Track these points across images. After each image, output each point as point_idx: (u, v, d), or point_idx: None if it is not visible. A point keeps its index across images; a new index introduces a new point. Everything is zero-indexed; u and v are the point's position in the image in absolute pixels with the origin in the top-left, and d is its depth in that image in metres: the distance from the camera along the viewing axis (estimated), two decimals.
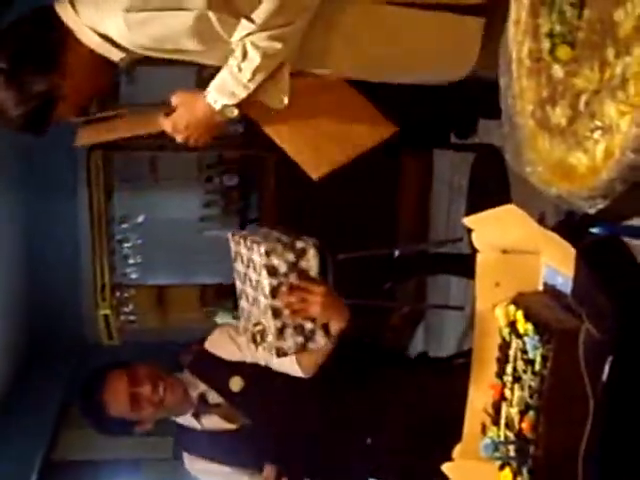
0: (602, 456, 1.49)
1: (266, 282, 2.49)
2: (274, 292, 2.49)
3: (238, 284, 2.71)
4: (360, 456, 2.80)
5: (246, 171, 6.98)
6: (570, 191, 1.62)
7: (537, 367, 1.69)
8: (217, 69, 2.33)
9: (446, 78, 2.43)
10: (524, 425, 1.74)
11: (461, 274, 4.44)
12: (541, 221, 1.89)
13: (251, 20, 2.15)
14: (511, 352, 1.82)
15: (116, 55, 2.34)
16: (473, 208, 3.90)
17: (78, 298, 7.55)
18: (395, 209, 5.98)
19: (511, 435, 1.82)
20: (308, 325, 2.53)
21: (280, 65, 2.24)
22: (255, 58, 2.17)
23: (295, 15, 2.16)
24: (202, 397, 2.93)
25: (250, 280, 2.63)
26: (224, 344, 2.93)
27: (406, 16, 2.29)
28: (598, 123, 1.52)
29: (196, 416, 2.93)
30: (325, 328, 2.55)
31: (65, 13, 2.29)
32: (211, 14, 2.17)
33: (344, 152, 2.51)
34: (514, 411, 1.80)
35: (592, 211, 1.57)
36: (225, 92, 2.25)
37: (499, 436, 1.87)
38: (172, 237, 7.09)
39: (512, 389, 1.81)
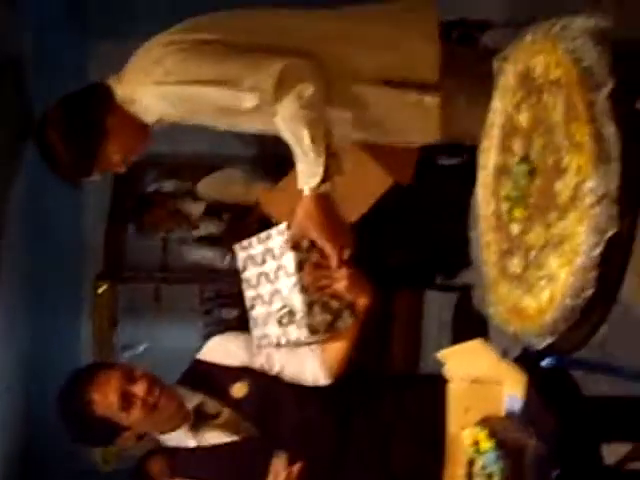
0: None
1: (291, 257, 2.51)
2: (300, 265, 2.50)
3: (249, 293, 2.69)
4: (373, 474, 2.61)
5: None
6: (523, 329, 1.92)
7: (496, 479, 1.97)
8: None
9: (416, 142, 2.84)
10: None
11: None
12: (505, 354, 2.19)
13: (259, 92, 2.54)
14: (475, 469, 2.08)
15: (150, 117, 2.76)
16: (457, 342, 4.21)
17: None
18: (388, 342, 6.25)
19: None
20: (334, 303, 2.53)
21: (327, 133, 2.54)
22: (304, 133, 2.48)
23: (299, 79, 2.52)
24: (199, 410, 2.69)
25: (267, 276, 2.62)
26: (224, 349, 2.79)
27: (378, 94, 2.68)
28: (544, 273, 1.83)
29: (194, 430, 2.67)
30: (351, 308, 2.55)
31: (113, 81, 2.76)
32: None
33: (353, 212, 2.75)
34: None
35: (541, 346, 1.87)
36: (310, 175, 2.50)
37: None
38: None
39: None
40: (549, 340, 1.83)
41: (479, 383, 2.27)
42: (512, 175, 2.00)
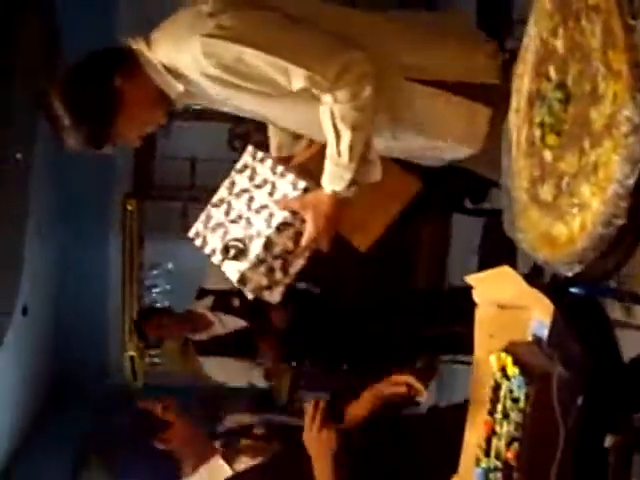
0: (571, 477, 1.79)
1: (281, 215, 2.53)
2: (284, 225, 2.53)
3: (223, 193, 2.73)
4: None
5: None
6: (553, 257, 1.92)
7: (521, 404, 1.99)
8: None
9: (455, 156, 2.71)
10: (509, 455, 2.02)
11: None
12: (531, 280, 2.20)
13: (312, 81, 2.40)
14: (501, 392, 2.11)
15: (175, 89, 2.56)
16: (483, 266, 4.22)
17: (105, 340, 7.78)
18: (413, 266, 6.28)
19: (499, 464, 2.10)
20: (278, 275, 2.56)
21: (368, 140, 2.47)
22: (346, 134, 2.41)
23: (360, 77, 2.41)
24: (228, 440, 3.14)
25: (251, 200, 2.63)
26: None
27: (429, 94, 2.56)
28: (575, 201, 1.83)
29: (227, 460, 3.04)
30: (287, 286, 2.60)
31: (137, 43, 2.55)
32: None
33: (383, 219, 2.76)
34: (502, 443, 2.08)
35: (570, 274, 1.87)
36: (335, 179, 2.47)
37: (489, 465, 2.16)
38: (198, 284, 7.36)
39: (501, 424, 2.10)
40: (578, 268, 1.84)
41: (506, 309, 2.29)
42: (546, 101, 1.98)
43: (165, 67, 2.54)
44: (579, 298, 1.92)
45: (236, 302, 4.64)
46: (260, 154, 2.70)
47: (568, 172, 1.87)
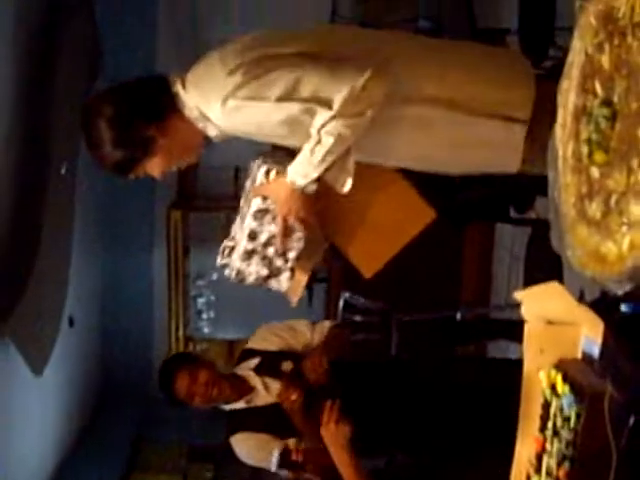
0: None
1: (255, 201, 2.61)
2: (260, 213, 2.60)
3: (242, 202, 2.83)
4: None
5: None
6: (602, 274, 1.91)
7: (572, 423, 1.98)
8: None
9: (495, 172, 2.73)
10: (561, 473, 2.02)
11: (518, 340, 4.68)
12: (581, 297, 2.19)
13: (329, 107, 2.47)
14: (551, 410, 2.10)
15: (212, 131, 2.66)
16: (529, 278, 4.19)
17: (150, 350, 7.82)
18: (459, 275, 6.27)
19: None
20: (278, 262, 2.62)
21: (347, 152, 2.55)
22: (327, 143, 2.48)
23: (367, 107, 2.47)
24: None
25: (247, 199, 2.73)
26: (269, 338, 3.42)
27: (457, 121, 2.57)
28: (625, 220, 1.81)
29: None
30: (293, 272, 2.64)
31: (176, 85, 2.62)
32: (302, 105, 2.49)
33: (392, 247, 2.76)
34: (553, 461, 2.07)
35: (620, 292, 1.86)
36: (300, 173, 2.57)
37: None
38: (243, 294, 7.39)
39: (552, 442, 2.09)
40: (628, 287, 1.83)
41: (555, 324, 2.27)
42: (593, 118, 1.97)
43: (201, 112, 2.61)
44: (630, 316, 1.90)
45: (287, 366, 3.44)
46: (258, 159, 2.77)
47: (616, 190, 1.86)
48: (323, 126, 2.47)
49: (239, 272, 2.60)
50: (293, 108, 2.49)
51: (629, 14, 1.86)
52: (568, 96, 2.15)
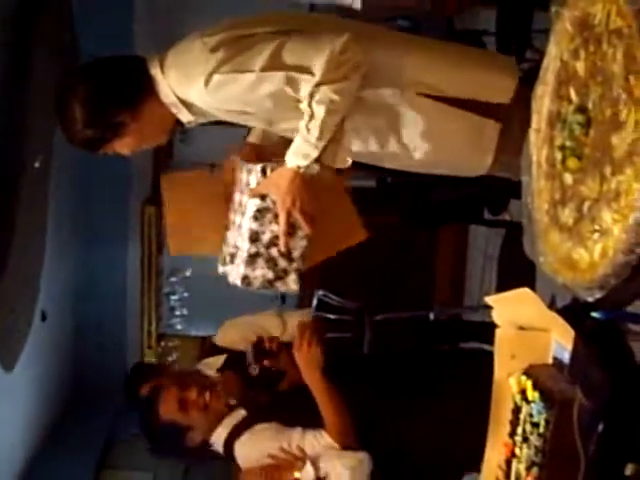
0: None
1: (253, 202, 2.53)
2: (260, 214, 2.52)
3: (231, 215, 2.75)
4: None
5: None
6: (573, 281, 1.91)
7: (541, 429, 1.98)
8: None
9: (463, 174, 2.72)
10: (529, 479, 2.02)
11: (491, 342, 4.69)
12: (552, 303, 2.19)
13: (311, 74, 2.44)
14: (521, 416, 2.10)
15: (186, 117, 2.64)
16: (502, 280, 4.20)
17: (123, 345, 7.78)
18: (433, 275, 6.28)
19: None
20: (282, 263, 2.54)
21: (341, 128, 2.52)
22: (320, 113, 2.44)
23: (350, 70, 2.45)
24: None
25: (240, 205, 2.64)
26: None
27: (437, 109, 2.57)
28: (597, 227, 1.82)
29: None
30: (299, 273, 2.56)
31: (154, 68, 2.60)
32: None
33: (325, 253, 2.74)
34: (522, 467, 2.07)
35: (591, 299, 1.86)
36: (300, 154, 2.51)
37: None
38: (217, 292, 7.35)
39: (521, 448, 2.09)
40: (599, 294, 1.83)
41: (526, 330, 2.27)
42: (567, 124, 1.97)
43: (177, 97, 2.59)
44: (600, 323, 1.90)
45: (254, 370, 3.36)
46: (249, 165, 2.69)
47: (589, 197, 1.86)
48: (312, 96, 2.44)
49: (245, 278, 2.52)
50: (276, 77, 2.46)
51: (605, 21, 1.86)
52: (543, 102, 2.15)
